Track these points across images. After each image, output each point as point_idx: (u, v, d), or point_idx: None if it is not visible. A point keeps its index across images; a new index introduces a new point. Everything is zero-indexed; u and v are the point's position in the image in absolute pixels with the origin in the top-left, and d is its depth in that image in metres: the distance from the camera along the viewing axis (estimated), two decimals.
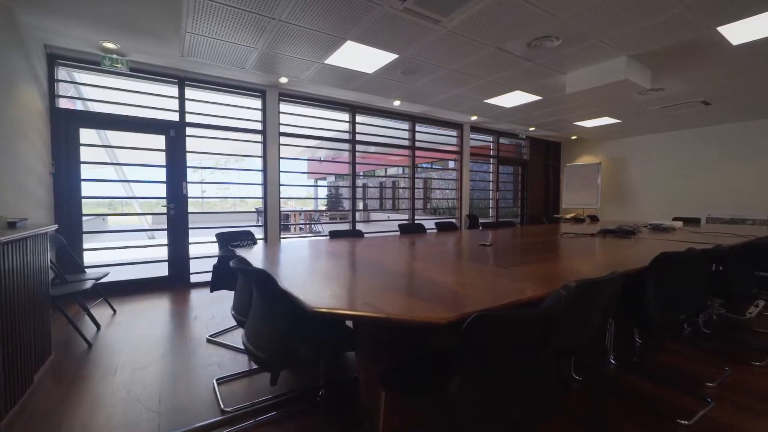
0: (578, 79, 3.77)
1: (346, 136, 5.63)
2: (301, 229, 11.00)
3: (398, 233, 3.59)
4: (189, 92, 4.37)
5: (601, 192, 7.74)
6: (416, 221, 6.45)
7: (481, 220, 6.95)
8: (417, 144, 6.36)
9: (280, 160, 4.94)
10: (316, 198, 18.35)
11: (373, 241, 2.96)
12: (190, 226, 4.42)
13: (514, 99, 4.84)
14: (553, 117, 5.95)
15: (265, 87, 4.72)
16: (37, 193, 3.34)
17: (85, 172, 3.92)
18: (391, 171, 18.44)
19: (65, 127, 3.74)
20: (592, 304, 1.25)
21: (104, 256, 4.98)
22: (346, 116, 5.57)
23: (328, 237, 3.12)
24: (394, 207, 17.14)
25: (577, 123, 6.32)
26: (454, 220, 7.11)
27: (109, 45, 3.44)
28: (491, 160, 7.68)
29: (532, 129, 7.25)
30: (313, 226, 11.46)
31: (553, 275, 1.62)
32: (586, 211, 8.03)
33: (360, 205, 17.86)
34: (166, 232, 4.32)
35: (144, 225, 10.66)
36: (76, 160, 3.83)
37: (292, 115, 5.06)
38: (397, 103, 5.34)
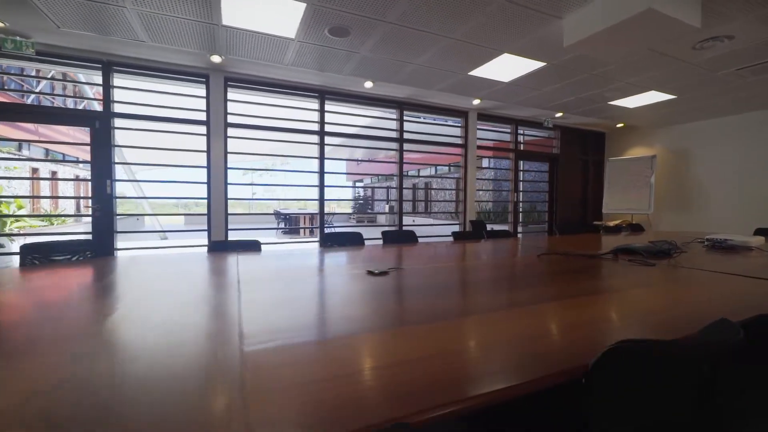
0: (579, 23, 2.56)
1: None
2: (311, 232, 10.43)
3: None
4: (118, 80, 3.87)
5: (655, 193, 6.05)
6: (414, 226, 5.43)
7: (494, 228, 5.71)
8: (407, 136, 5.36)
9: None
10: (356, 200, 17.86)
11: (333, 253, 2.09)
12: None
13: (507, 67, 3.66)
14: (576, 94, 4.59)
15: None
16: None
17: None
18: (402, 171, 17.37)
19: None
20: None
21: None
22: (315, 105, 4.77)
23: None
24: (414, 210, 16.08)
25: (614, 102, 4.86)
26: (458, 226, 5.96)
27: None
28: (509, 154, 6.38)
29: (559, 115, 5.85)
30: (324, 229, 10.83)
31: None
32: (636, 218, 6.37)
33: (386, 207, 17.01)
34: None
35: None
36: None
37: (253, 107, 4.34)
38: (368, 84, 4.41)
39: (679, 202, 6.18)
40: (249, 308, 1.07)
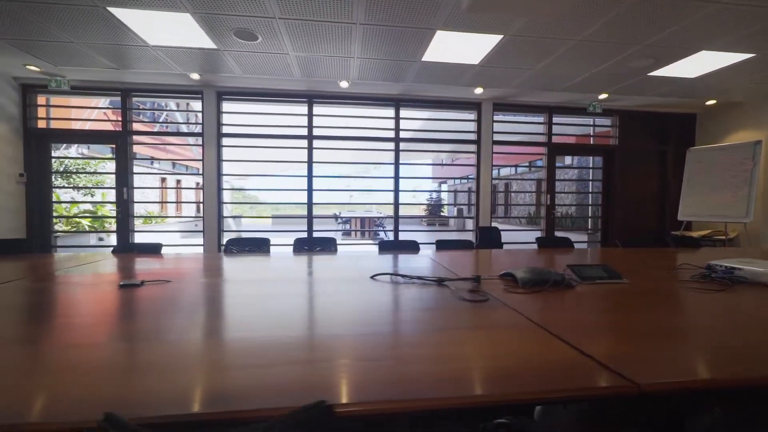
0: None
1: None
2: (363, 234, 10.61)
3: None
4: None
5: (758, 193, 4.29)
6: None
7: (517, 235, 4.89)
8: (403, 135, 4.99)
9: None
10: (440, 203, 17.58)
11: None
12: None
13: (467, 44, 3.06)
14: (596, 62, 3.56)
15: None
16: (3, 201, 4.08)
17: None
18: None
19: (37, 144, 4.46)
20: None
21: None
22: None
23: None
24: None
25: (655, 73, 3.61)
26: (471, 232, 5.29)
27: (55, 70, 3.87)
28: (542, 149, 5.36)
29: (603, 97, 4.66)
30: (378, 233, 10.91)
31: None
32: (729, 227, 4.66)
33: (454, 211, 16.14)
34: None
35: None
36: (48, 170, 4.54)
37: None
38: (344, 84, 4.26)
39: None
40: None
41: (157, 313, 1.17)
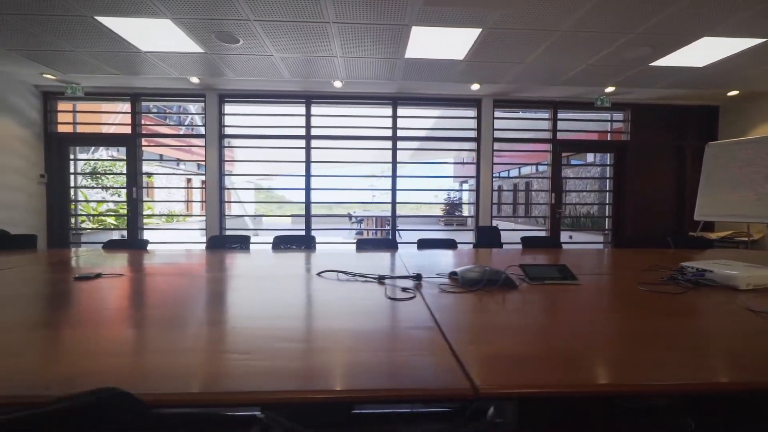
0: None
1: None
2: (374, 233, 10.63)
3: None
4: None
5: None
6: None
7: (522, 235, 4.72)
8: (401, 133, 4.96)
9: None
10: (458, 202, 17.35)
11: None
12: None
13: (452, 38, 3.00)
14: (589, 51, 3.39)
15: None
16: (20, 200, 4.42)
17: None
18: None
19: (57, 147, 4.80)
20: None
21: None
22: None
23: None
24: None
25: (657, 63, 3.39)
26: (472, 231, 5.17)
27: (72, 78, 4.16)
28: (546, 146, 5.16)
29: (609, 90, 4.43)
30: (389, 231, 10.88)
31: None
32: (753, 228, 4.30)
33: (465, 210, 15.79)
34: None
35: None
36: (66, 171, 4.87)
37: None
38: (338, 84, 4.30)
39: None
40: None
41: (88, 302, 1.24)
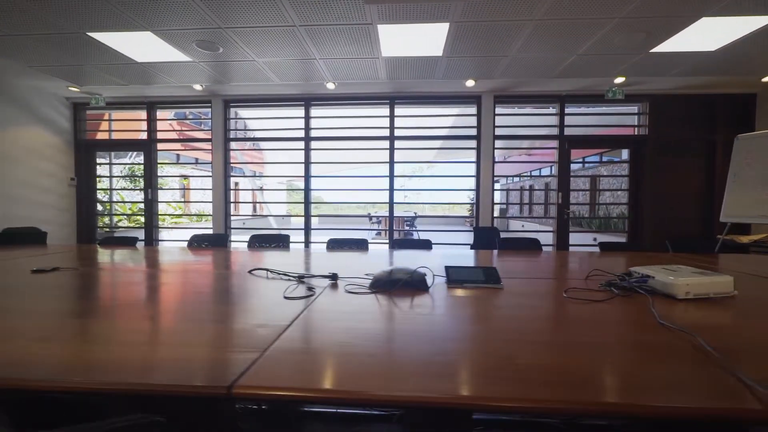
0: None
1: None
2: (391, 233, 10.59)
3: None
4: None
5: None
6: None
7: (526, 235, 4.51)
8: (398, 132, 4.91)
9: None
10: (495, 202, 16.90)
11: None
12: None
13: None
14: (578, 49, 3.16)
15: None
16: (52, 200, 4.92)
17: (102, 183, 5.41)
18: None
19: (85, 152, 5.29)
20: None
21: None
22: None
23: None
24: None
25: (659, 49, 3.08)
26: (469, 230, 5.00)
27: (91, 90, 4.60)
28: (553, 142, 4.88)
29: (619, 81, 4.10)
30: (411, 232, 10.83)
31: None
32: None
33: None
34: None
35: None
36: (93, 174, 5.35)
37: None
38: (331, 86, 4.35)
39: None
40: None
41: (32, 292, 1.37)
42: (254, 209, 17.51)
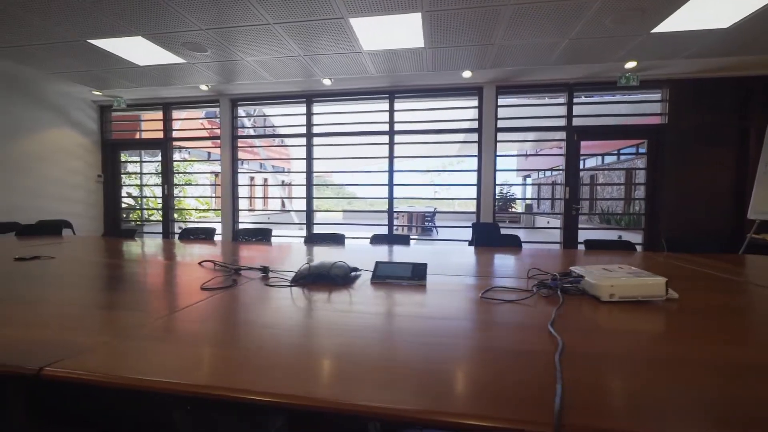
0: None
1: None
2: (409, 229, 10.56)
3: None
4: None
5: None
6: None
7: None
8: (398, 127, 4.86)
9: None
10: (511, 197, 16.48)
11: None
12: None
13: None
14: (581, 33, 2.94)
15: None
16: (81, 196, 5.38)
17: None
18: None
19: (111, 151, 5.72)
20: None
21: None
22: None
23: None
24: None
25: (661, 29, 2.80)
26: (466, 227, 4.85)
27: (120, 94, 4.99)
28: (561, 134, 4.61)
29: (631, 65, 3.80)
30: (425, 228, 10.73)
31: None
32: None
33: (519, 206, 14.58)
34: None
35: None
36: (118, 171, 5.78)
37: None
38: (327, 82, 4.39)
39: None
40: None
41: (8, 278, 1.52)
42: (282, 204, 18.09)
